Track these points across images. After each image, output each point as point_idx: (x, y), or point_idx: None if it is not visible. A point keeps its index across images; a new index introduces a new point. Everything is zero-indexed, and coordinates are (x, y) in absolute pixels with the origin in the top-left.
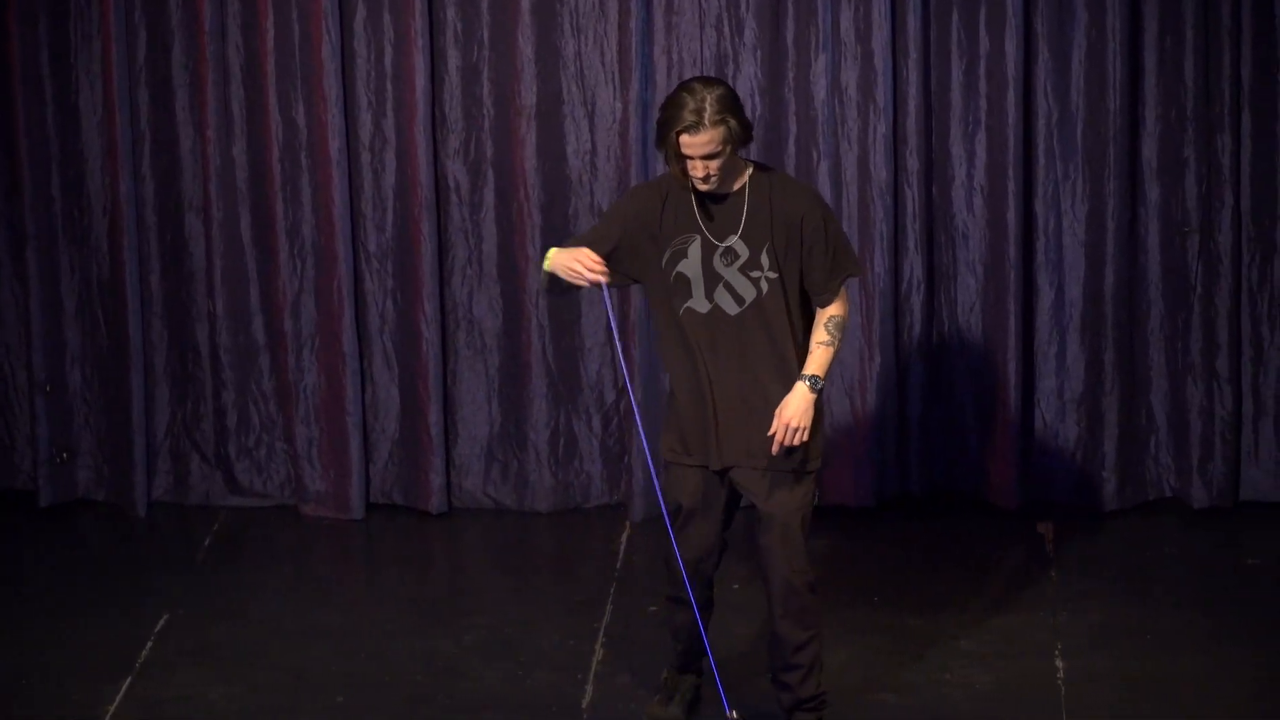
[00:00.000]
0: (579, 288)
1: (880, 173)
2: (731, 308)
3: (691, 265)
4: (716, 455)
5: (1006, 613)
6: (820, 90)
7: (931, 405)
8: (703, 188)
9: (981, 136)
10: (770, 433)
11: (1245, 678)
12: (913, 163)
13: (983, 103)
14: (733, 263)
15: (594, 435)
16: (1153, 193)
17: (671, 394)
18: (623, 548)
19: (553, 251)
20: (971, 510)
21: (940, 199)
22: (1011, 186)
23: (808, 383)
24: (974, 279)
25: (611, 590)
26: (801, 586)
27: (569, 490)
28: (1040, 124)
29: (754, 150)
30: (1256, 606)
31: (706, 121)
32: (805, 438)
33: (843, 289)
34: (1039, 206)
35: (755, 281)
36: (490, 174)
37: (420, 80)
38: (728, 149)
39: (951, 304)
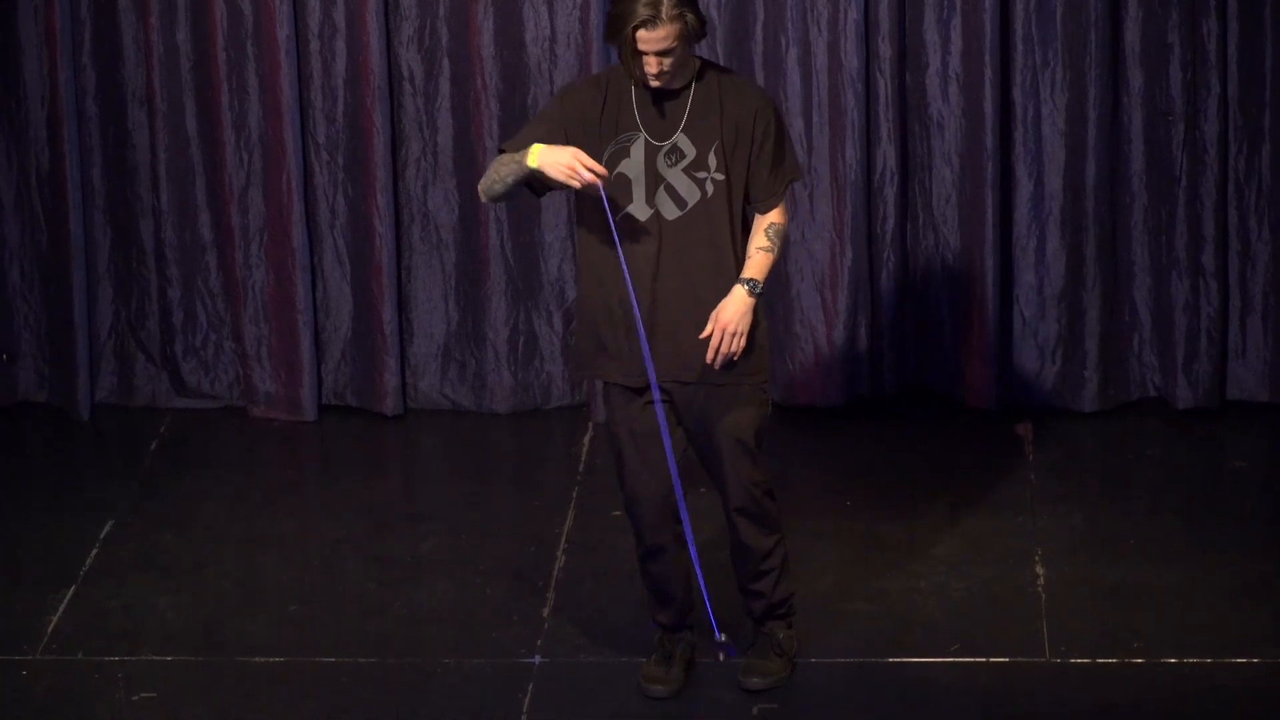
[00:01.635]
0: (540, 189)
1: (851, 60)
2: (671, 211)
3: (634, 165)
4: (643, 369)
5: (983, 518)
6: None
7: (905, 301)
8: (654, 84)
9: (957, 22)
10: (704, 336)
11: (1228, 583)
12: (885, 49)
13: None
14: (677, 162)
15: (555, 334)
16: (1135, 80)
17: (589, 304)
18: (585, 450)
19: (538, 148)
20: (947, 411)
21: (914, 87)
22: (988, 74)
23: (746, 286)
24: (950, 170)
25: (574, 494)
26: (760, 495)
27: (529, 391)
28: (1018, 8)
29: (719, 36)
30: (1241, 511)
31: (664, 16)
32: (743, 344)
33: (785, 196)
34: (1017, 95)
35: (700, 183)
36: (446, 62)
37: None
38: (681, 45)
39: (926, 196)
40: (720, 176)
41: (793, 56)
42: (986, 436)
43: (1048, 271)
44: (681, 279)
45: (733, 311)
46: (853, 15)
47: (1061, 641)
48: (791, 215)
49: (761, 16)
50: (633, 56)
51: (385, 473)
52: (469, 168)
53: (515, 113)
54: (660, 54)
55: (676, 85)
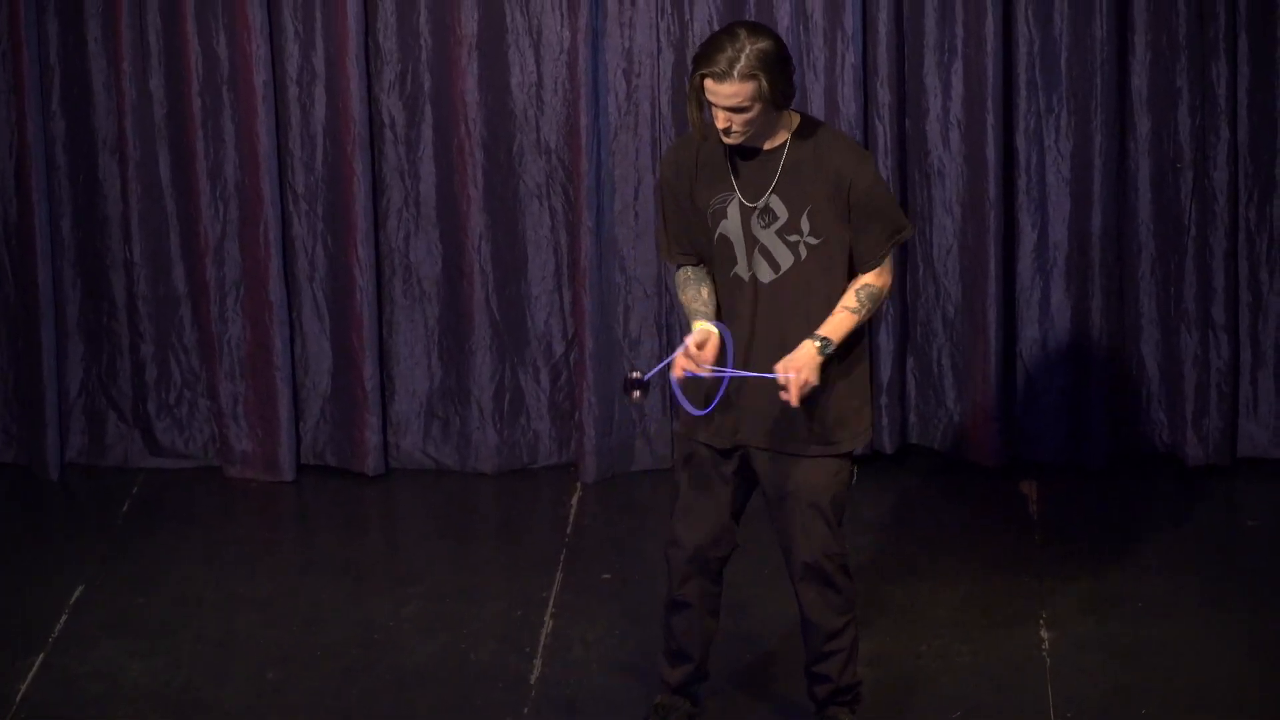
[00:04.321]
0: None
1: (849, 106)
2: (766, 274)
3: (732, 226)
4: (732, 432)
5: (986, 578)
6: (784, 17)
7: (905, 355)
8: (726, 140)
9: (958, 66)
10: (780, 383)
11: (1241, 646)
12: (884, 95)
13: (959, 29)
14: (770, 224)
15: (542, 390)
16: (1143, 126)
17: None
18: (573, 511)
19: (700, 329)
20: (948, 468)
21: (914, 134)
22: (990, 120)
23: (816, 343)
24: (951, 219)
25: (561, 556)
26: (834, 568)
27: (515, 449)
28: (1021, 52)
29: None
30: (1254, 571)
31: (736, 74)
32: (810, 384)
33: (889, 257)
34: (1020, 141)
35: (793, 246)
36: (428, 109)
37: (352, 8)
38: (758, 107)
39: (927, 246)
40: (814, 240)
41: None
42: (989, 495)
43: (1052, 324)
44: (775, 344)
45: (799, 360)
46: (850, 59)
47: (1068, 708)
48: (894, 274)
49: (794, 67)
50: (697, 104)
51: (366, 534)
52: (452, 218)
53: (500, 160)
54: (731, 110)
55: (763, 144)
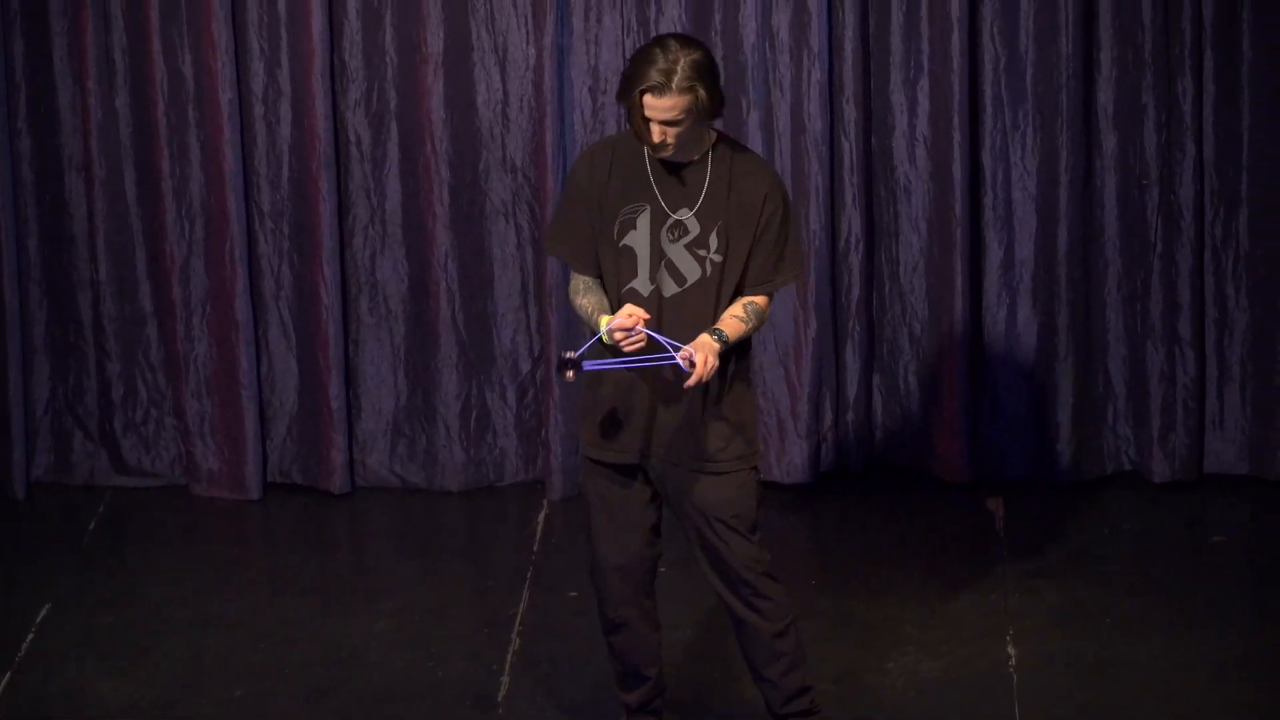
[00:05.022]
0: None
1: (815, 123)
2: (670, 288)
3: (639, 238)
4: (639, 448)
5: (954, 595)
6: (750, 34)
7: (872, 373)
8: (657, 155)
9: (924, 83)
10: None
11: (1207, 662)
12: (850, 112)
13: (925, 46)
14: (680, 238)
15: (508, 408)
16: (1109, 143)
17: (592, 382)
18: (540, 528)
19: (605, 321)
20: (916, 485)
21: (880, 151)
22: (957, 137)
23: (714, 336)
24: (917, 236)
25: (528, 574)
26: (756, 575)
27: (482, 467)
28: (987, 69)
29: None
30: (1220, 587)
31: (674, 86)
32: (713, 368)
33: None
34: (986, 158)
35: (701, 261)
36: (394, 126)
37: (317, 26)
38: (690, 119)
39: (893, 263)
40: (719, 258)
41: (754, 119)
42: (956, 511)
43: (1019, 341)
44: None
45: (704, 346)
46: (816, 76)
47: None
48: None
49: (722, 78)
50: (642, 120)
51: (333, 552)
52: (418, 235)
53: (466, 178)
54: (666, 123)
55: (684, 158)
